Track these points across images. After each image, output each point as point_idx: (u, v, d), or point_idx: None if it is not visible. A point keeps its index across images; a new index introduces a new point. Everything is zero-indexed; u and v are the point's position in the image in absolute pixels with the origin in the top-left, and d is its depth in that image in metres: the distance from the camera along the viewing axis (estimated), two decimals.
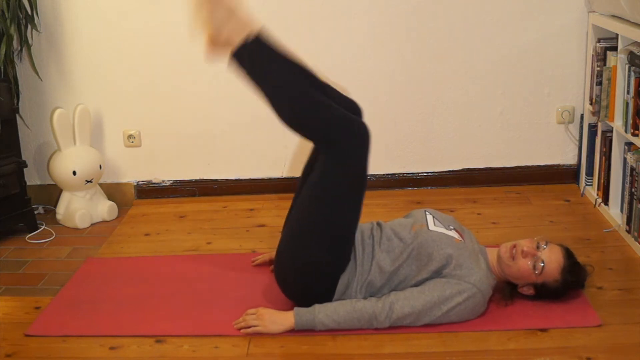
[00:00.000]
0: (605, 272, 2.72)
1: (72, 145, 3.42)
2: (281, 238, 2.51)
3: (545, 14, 3.42)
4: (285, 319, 2.38)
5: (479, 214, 3.32)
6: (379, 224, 2.57)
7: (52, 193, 3.61)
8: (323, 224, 2.39)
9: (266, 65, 2.38)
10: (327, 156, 2.37)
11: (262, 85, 2.40)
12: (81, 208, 3.39)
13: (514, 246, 2.43)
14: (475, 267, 2.37)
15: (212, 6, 2.36)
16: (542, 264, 2.38)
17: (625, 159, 3.03)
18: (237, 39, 2.37)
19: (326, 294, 2.42)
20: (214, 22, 2.37)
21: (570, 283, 2.43)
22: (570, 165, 3.61)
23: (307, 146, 2.60)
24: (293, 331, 2.38)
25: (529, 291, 2.46)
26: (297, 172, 3.64)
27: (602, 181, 3.25)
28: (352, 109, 2.50)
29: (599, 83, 3.21)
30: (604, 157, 3.22)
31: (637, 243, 2.86)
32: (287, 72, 2.39)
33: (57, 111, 3.34)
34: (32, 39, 3.41)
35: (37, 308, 2.65)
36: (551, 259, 2.40)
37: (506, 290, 2.48)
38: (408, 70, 3.51)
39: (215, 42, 2.40)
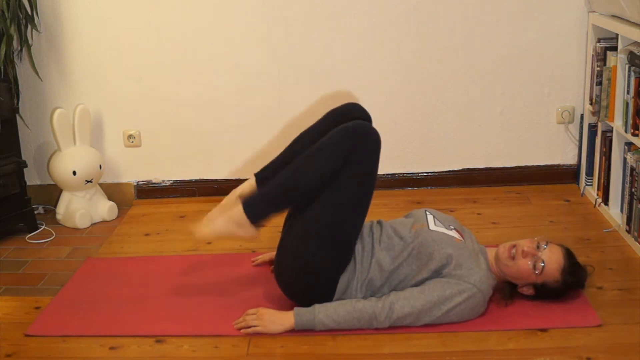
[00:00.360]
0: (605, 272, 2.72)
1: (72, 145, 3.42)
2: (282, 238, 2.51)
3: (545, 14, 3.42)
4: (285, 319, 2.38)
5: (479, 214, 3.32)
6: (379, 222, 2.57)
7: (52, 193, 3.61)
8: (331, 227, 2.39)
9: (269, 195, 2.42)
10: (345, 166, 2.37)
11: (286, 202, 2.45)
12: (81, 208, 3.39)
13: (514, 246, 2.43)
14: (475, 267, 2.37)
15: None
16: (543, 264, 2.38)
17: (625, 159, 3.03)
18: (250, 228, 2.41)
19: (326, 294, 2.42)
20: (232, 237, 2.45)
21: (570, 283, 2.43)
22: (570, 165, 3.61)
23: None
24: (293, 331, 2.38)
25: (529, 291, 2.46)
26: None
27: (602, 181, 3.25)
28: (359, 115, 2.54)
29: (599, 83, 3.21)
30: (604, 157, 3.22)
31: (637, 243, 2.86)
32: (283, 176, 2.41)
33: (57, 111, 3.34)
34: (32, 39, 3.41)
35: (37, 308, 2.65)
36: (551, 259, 2.39)
37: (506, 290, 2.48)
38: (408, 70, 3.50)
39: (246, 237, 2.44)
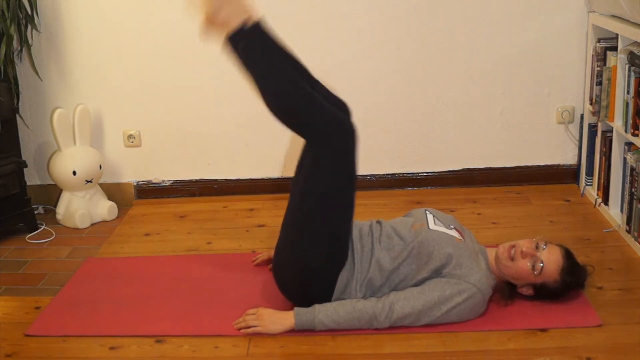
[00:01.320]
0: (605, 272, 2.72)
1: (72, 145, 3.42)
2: (278, 238, 2.52)
3: (545, 14, 3.42)
4: (285, 319, 2.38)
5: (479, 214, 3.32)
6: (378, 222, 2.57)
7: (52, 193, 3.61)
8: (315, 221, 2.40)
9: (260, 53, 2.38)
10: (315, 153, 2.38)
11: (254, 72, 2.40)
12: (81, 208, 3.39)
13: (513, 246, 2.43)
14: (475, 267, 2.37)
15: None
16: (541, 265, 2.38)
17: (625, 159, 3.03)
18: (235, 22, 2.35)
19: (325, 293, 2.42)
20: (214, 1, 2.35)
21: (569, 284, 2.43)
22: (570, 165, 3.62)
23: None
24: (293, 331, 2.38)
25: (528, 291, 2.46)
26: None
27: (602, 181, 3.25)
28: (341, 108, 2.50)
29: (599, 83, 3.21)
30: (604, 157, 3.22)
31: (637, 243, 2.86)
32: (280, 63, 2.39)
33: (57, 111, 3.34)
34: (32, 39, 3.41)
35: (37, 308, 2.65)
36: (550, 260, 2.39)
37: (506, 290, 2.48)
38: (408, 70, 3.51)
39: (212, 22, 2.38)
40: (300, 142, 2.50)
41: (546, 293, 2.43)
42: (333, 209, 2.41)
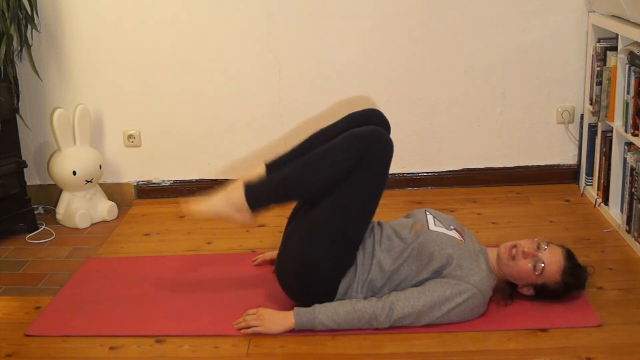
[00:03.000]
0: (605, 272, 2.72)
1: (72, 145, 3.42)
2: (285, 239, 2.51)
3: (545, 14, 3.42)
4: (285, 319, 2.38)
5: (479, 214, 3.32)
6: (379, 223, 2.57)
7: (52, 193, 3.61)
8: (337, 230, 2.39)
9: (274, 186, 2.43)
10: (355, 170, 2.36)
11: (289, 196, 2.47)
12: (81, 208, 3.39)
13: (514, 246, 2.43)
14: (475, 267, 2.37)
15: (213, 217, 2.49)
16: (543, 265, 2.38)
17: (625, 159, 3.03)
18: (248, 211, 2.41)
19: (328, 295, 2.42)
20: (229, 220, 2.46)
21: (570, 284, 2.43)
22: (570, 165, 3.61)
23: None
24: (293, 331, 2.38)
25: (529, 292, 2.46)
26: None
27: (602, 181, 3.25)
28: (374, 121, 2.50)
29: (599, 83, 3.21)
30: (604, 157, 3.22)
31: (637, 243, 2.86)
32: (291, 169, 2.42)
33: (57, 111, 3.34)
34: (32, 39, 3.41)
35: (37, 308, 2.65)
36: (552, 260, 2.39)
37: (506, 291, 2.48)
38: (408, 70, 3.50)
39: (243, 220, 2.45)
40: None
41: (547, 293, 2.43)
42: (354, 221, 2.41)
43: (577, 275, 2.44)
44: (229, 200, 2.41)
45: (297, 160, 2.43)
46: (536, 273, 2.39)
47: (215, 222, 3.37)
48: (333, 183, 2.37)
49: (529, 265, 2.39)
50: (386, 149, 2.38)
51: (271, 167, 2.55)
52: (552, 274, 2.39)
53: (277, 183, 2.42)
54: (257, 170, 2.56)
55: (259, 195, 2.40)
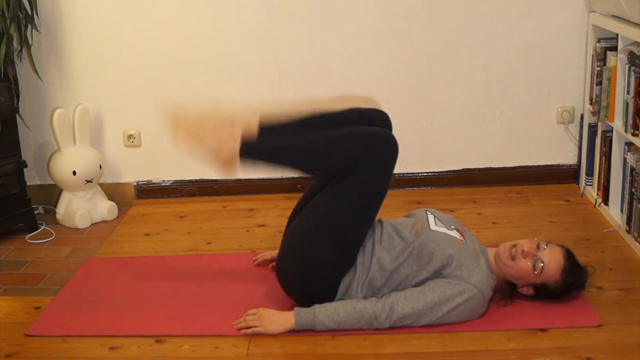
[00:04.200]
0: (605, 272, 2.72)
1: (72, 145, 3.42)
2: (286, 238, 2.51)
3: (545, 14, 3.42)
4: (285, 320, 2.38)
5: (479, 214, 3.32)
6: (379, 222, 2.57)
7: (52, 193, 3.61)
8: (339, 231, 2.39)
9: (272, 149, 2.42)
10: (357, 169, 2.36)
11: (281, 164, 2.46)
12: (81, 208, 3.39)
13: (514, 246, 2.43)
14: (476, 267, 2.37)
15: (194, 139, 2.41)
16: (542, 265, 2.38)
17: (625, 159, 3.03)
18: (235, 147, 2.38)
19: (328, 295, 2.42)
20: (208, 149, 2.40)
21: (570, 284, 2.43)
22: (570, 165, 3.62)
23: None
24: (293, 331, 2.38)
25: (529, 291, 2.46)
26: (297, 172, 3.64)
27: (602, 181, 3.25)
28: (379, 123, 2.51)
29: (599, 83, 3.21)
30: (604, 157, 3.22)
31: (637, 243, 2.86)
32: (293, 141, 2.42)
33: (57, 111, 3.34)
34: (32, 39, 3.41)
35: (37, 308, 2.65)
36: (551, 260, 2.39)
37: (506, 290, 2.48)
38: (408, 70, 3.50)
39: (223, 160, 2.41)
40: None
41: (546, 293, 2.43)
42: (356, 221, 2.41)
43: (577, 275, 2.44)
44: (220, 140, 2.37)
45: (300, 135, 2.42)
46: (535, 272, 2.38)
47: (216, 221, 3.38)
48: (328, 173, 2.38)
49: (529, 264, 2.39)
50: (392, 152, 2.39)
51: (266, 126, 2.47)
52: (552, 273, 2.39)
53: (276, 148, 2.40)
54: (251, 121, 2.46)
55: (254, 150, 2.39)
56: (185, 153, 2.44)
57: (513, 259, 2.41)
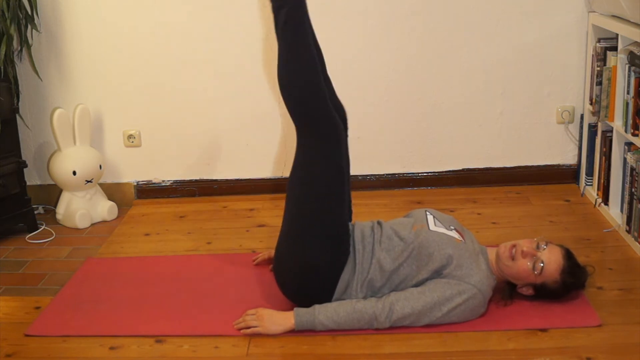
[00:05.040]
0: (605, 272, 2.72)
1: (72, 145, 3.42)
2: (278, 238, 2.52)
3: (545, 14, 3.42)
4: (285, 320, 2.38)
5: (479, 214, 3.32)
6: (379, 223, 2.57)
7: (52, 193, 3.61)
8: (310, 221, 2.42)
9: (297, 25, 2.45)
10: (303, 144, 2.44)
11: (286, 39, 2.46)
12: (81, 208, 3.39)
13: (514, 246, 2.43)
14: (475, 267, 2.37)
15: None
16: (542, 265, 2.38)
17: (625, 159, 3.03)
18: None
19: (326, 294, 2.42)
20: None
21: (570, 284, 2.43)
22: (570, 165, 3.61)
23: None
24: (293, 331, 2.38)
25: (528, 291, 2.46)
26: None
27: (602, 181, 3.25)
28: (339, 113, 2.56)
29: (599, 83, 3.21)
30: (604, 157, 3.22)
31: (637, 243, 2.86)
32: (310, 44, 2.47)
33: (57, 111, 3.34)
34: (32, 39, 3.41)
35: (37, 308, 2.65)
36: (551, 260, 2.39)
37: (506, 290, 2.48)
38: (408, 70, 3.50)
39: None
40: None
41: (546, 293, 2.43)
42: (324, 204, 2.43)
43: (577, 274, 2.44)
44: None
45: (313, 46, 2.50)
46: (535, 273, 2.38)
47: (216, 221, 3.38)
48: (286, 92, 2.45)
49: (528, 264, 2.39)
50: (337, 141, 2.44)
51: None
52: (551, 273, 2.39)
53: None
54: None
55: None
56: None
57: (513, 259, 2.41)
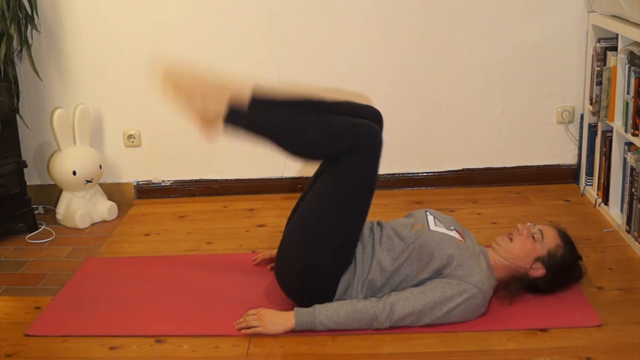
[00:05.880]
0: (605, 272, 2.72)
1: (72, 145, 3.42)
2: (283, 238, 2.51)
3: (545, 14, 3.42)
4: (285, 320, 2.38)
5: (479, 214, 3.32)
6: (379, 223, 2.57)
7: (52, 193, 3.61)
8: (333, 227, 2.40)
9: (261, 123, 2.42)
10: (343, 162, 2.37)
11: (263, 139, 2.44)
12: (81, 208, 3.39)
13: (509, 233, 2.50)
14: (476, 267, 2.37)
15: (182, 95, 2.41)
16: (540, 230, 2.47)
17: (625, 159, 3.03)
18: (221, 108, 2.40)
19: (327, 294, 2.42)
20: (194, 107, 2.41)
21: (572, 246, 2.49)
22: (570, 165, 3.62)
23: None
24: (293, 331, 2.38)
25: (540, 271, 2.44)
26: (297, 172, 3.65)
27: (602, 181, 3.25)
28: (370, 117, 2.51)
29: (599, 83, 3.21)
30: (604, 157, 3.22)
31: (637, 243, 2.86)
32: (284, 119, 2.43)
33: (57, 111, 3.34)
34: (32, 39, 3.41)
35: (37, 308, 2.65)
36: (546, 228, 2.50)
37: (512, 286, 2.47)
38: (408, 70, 3.51)
39: (207, 122, 2.42)
40: None
41: (556, 262, 2.44)
42: (352, 217, 2.42)
43: (572, 241, 2.52)
44: (209, 100, 2.37)
45: (290, 114, 2.43)
46: (536, 238, 2.44)
47: (216, 221, 3.38)
48: (309, 156, 2.44)
49: (528, 238, 2.45)
50: (376, 148, 2.40)
51: (258, 99, 2.47)
52: (552, 238, 2.47)
53: (263, 121, 2.40)
54: (243, 91, 2.45)
55: (239, 119, 2.39)
56: (172, 106, 2.40)
57: (511, 240, 2.47)
